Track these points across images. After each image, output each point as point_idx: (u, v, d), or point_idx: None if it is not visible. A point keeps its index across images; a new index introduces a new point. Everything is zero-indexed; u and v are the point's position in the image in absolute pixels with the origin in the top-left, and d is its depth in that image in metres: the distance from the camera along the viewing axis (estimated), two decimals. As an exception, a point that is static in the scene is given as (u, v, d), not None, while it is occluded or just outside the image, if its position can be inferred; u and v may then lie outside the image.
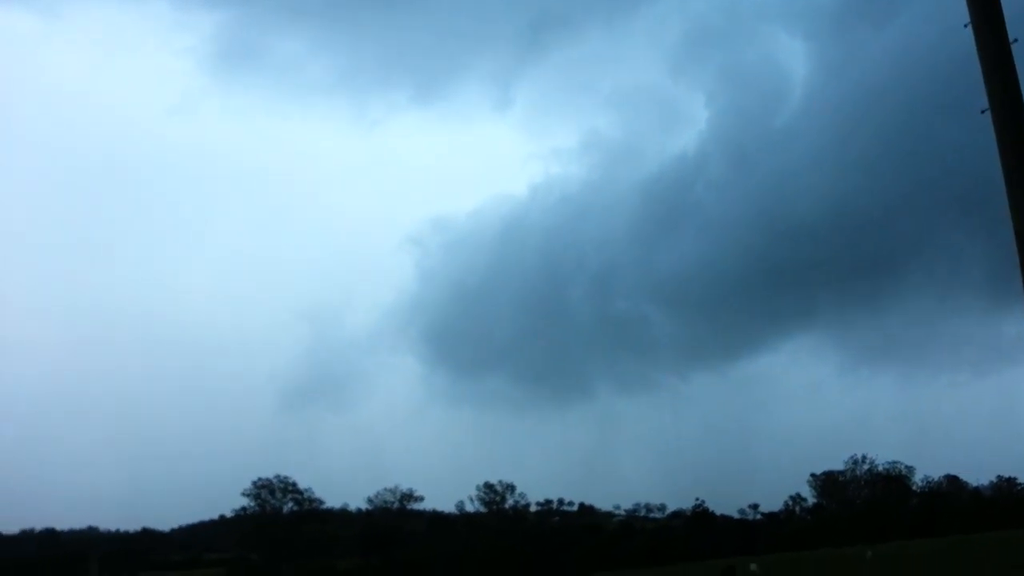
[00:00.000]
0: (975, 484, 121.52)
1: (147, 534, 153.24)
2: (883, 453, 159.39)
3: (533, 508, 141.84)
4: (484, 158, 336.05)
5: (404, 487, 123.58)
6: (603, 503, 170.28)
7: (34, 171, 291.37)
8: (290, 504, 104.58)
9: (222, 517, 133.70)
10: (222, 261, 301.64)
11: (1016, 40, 7.44)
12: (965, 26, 7.60)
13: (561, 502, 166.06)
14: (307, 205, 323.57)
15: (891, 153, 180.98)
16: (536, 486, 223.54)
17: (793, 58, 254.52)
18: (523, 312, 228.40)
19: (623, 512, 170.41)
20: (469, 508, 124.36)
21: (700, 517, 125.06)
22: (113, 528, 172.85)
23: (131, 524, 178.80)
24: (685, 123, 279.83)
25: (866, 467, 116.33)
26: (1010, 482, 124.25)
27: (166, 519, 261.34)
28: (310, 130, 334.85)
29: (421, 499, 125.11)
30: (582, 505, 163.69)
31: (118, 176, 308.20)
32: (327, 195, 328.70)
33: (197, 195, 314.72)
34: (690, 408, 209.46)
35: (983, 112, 7.41)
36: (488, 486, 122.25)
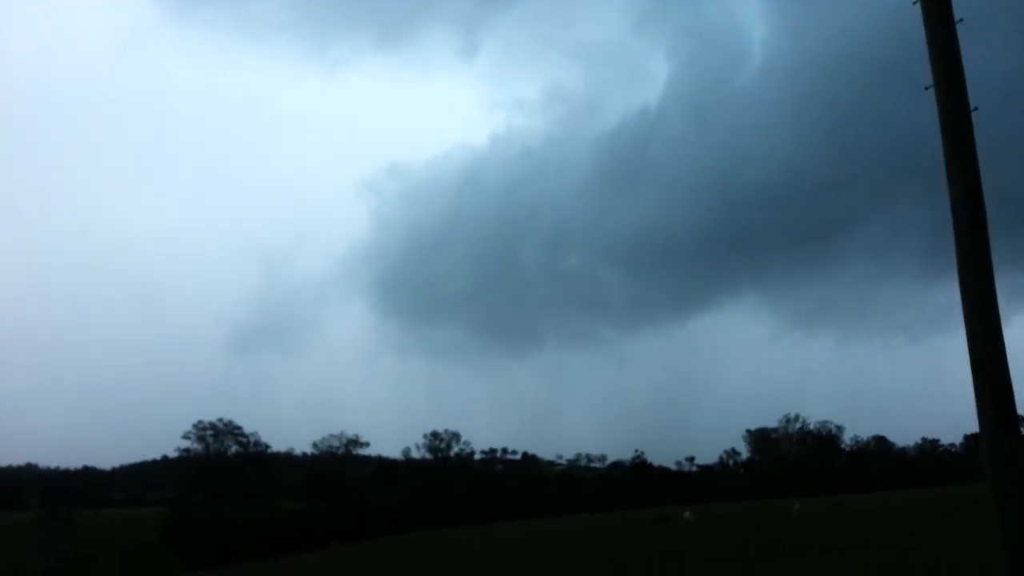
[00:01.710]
0: (901, 445, 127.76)
1: (88, 472, 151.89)
2: (816, 413, 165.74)
3: (478, 456, 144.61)
4: (446, 106, 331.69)
5: (350, 433, 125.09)
6: (546, 453, 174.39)
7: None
8: (234, 447, 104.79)
9: (165, 458, 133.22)
10: (172, 202, 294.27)
11: (962, 20, 7.58)
12: (913, 3, 7.77)
13: (505, 451, 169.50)
14: (263, 148, 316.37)
15: (845, 120, 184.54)
16: (482, 435, 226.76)
17: (754, 20, 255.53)
18: (477, 264, 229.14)
19: (565, 462, 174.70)
20: (415, 455, 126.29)
21: (638, 468, 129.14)
22: (53, 465, 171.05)
23: (72, 462, 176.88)
24: (645, 80, 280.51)
25: (798, 425, 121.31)
26: (933, 444, 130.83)
27: (107, 458, 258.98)
28: (268, 70, 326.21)
29: (367, 445, 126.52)
30: (525, 454, 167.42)
31: (66, 113, 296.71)
32: (284, 139, 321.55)
33: (147, 134, 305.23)
34: (634, 364, 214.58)
35: (927, 88, 7.60)
36: (434, 434, 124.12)
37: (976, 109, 7.35)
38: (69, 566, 73.43)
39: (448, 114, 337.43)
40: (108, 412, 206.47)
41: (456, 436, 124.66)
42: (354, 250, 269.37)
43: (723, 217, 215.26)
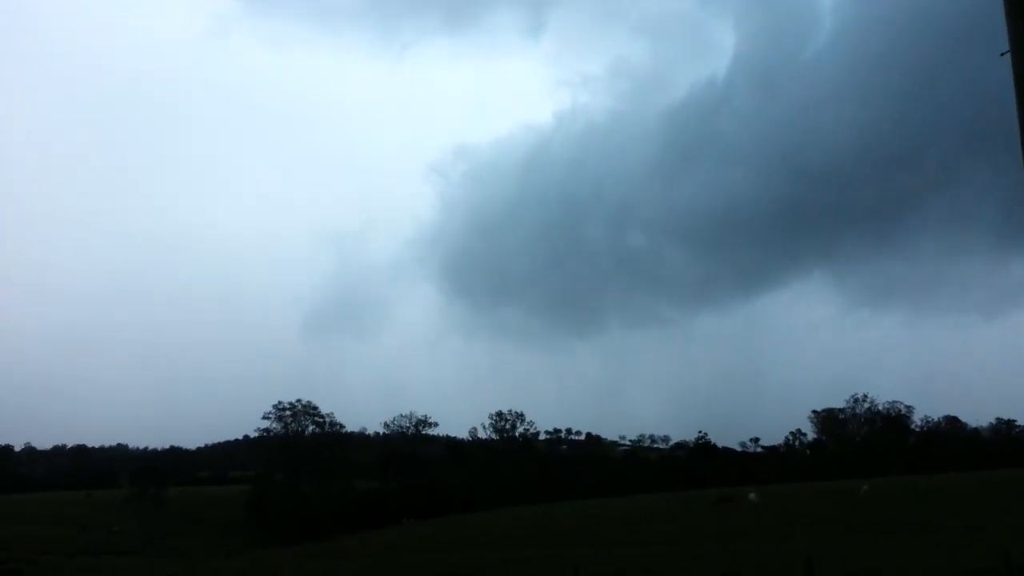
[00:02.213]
0: (974, 425, 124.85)
1: (174, 452, 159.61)
2: (885, 393, 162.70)
3: (542, 436, 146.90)
4: (511, 85, 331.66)
5: (419, 413, 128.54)
6: (610, 433, 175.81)
7: (66, 100, 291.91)
8: (311, 427, 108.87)
9: (246, 438, 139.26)
10: (249, 190, 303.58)
11: None
12: None
13: (569, 431, 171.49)
14: (334, 133, 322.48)
15: (917, 89, 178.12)
16: (547, 415, 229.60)
17: None
18: (541, 244, 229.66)
19: (628, 442, 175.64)
20: (482, 435, 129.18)
21: (702, 448, 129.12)
22: (142, 446, 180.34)
23: (159, 442, 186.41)
24: (712, 52, 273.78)
25: (866, 406, 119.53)
26: (1009, 424, 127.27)
27: (192, 438, 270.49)
28: (338, 57, 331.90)
29: (435, 425, 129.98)
30: (589, 435, 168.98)
31: (150, 104, 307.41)
32: (354, 123, 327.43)
33: (225, 123, 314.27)
34: (698, 344, 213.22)
35: (1003, 55, 7.21)
36: (499, 414, 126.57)
37: None
38: (164, 537, 77.97)
39: (514, 94, 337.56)
40: (192, 394, 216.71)
41: (521, 416, 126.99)
42: (421, 232, 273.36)
43: (790, 192, 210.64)
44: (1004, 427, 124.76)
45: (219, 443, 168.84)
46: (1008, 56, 7.11)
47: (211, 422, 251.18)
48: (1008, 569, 16.67)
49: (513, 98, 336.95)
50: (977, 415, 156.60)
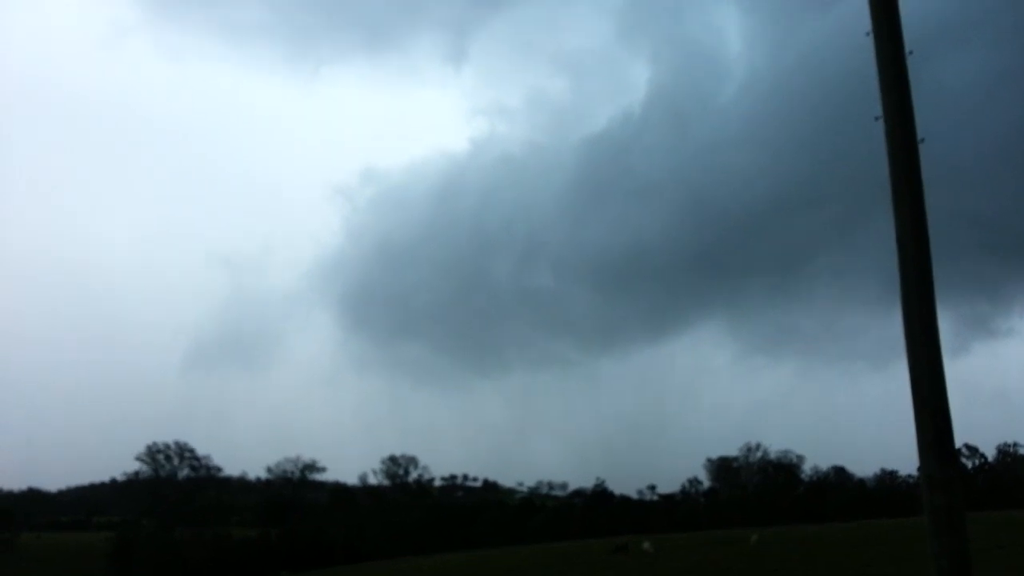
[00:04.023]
0: (860, 475, 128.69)
1: (33, 494, 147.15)
2: (778, 441, 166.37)
3: (437, 483, 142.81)
4: (428, 111, 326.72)
5: (307, 457, 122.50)
6: (508, 480, 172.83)
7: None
8: (186, 470, 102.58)
9: (113, 480, 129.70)
10: (133, 208, 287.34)
11: (912, 52, 7.53)
12: (866, 34, 7.71)
13: (466, 477, 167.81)
14: (234, 151, 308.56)
15: (816, 143, 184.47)
16: (444, 460, 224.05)
17: (734, 32, 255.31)
18: (448, 277, 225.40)
19: (526, 489, 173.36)
20: (372, 481, 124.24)
21: (599, 496, 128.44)
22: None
23: (16, 483, 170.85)
24: (627, 90, 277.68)
25: (759, 455, 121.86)
26: (892, 475, 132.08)
27: (54, 480, 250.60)
28: (245, 72, 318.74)
29: (324, 470, 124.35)
30: (486, 481, 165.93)
31: (35, 111, 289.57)
32: (257, 141, 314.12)
33: (115, 136, 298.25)
34: (600, 388, 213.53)
35: (876, 119, 7.62)
36: (392, 459, 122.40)
37: (923, 140, 7.33)
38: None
39: (430, 119, 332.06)
40: (56, 431, 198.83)
41: (414, 461, 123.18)
42: (322, 260, 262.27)
43: (698, 234, 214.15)
44: (888, 478, 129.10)
45: (83, 486, 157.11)
46: (881, 120, 7.52)
47: (76, 463, 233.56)
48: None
49: (429, 124, 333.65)
50: (863, 465, 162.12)
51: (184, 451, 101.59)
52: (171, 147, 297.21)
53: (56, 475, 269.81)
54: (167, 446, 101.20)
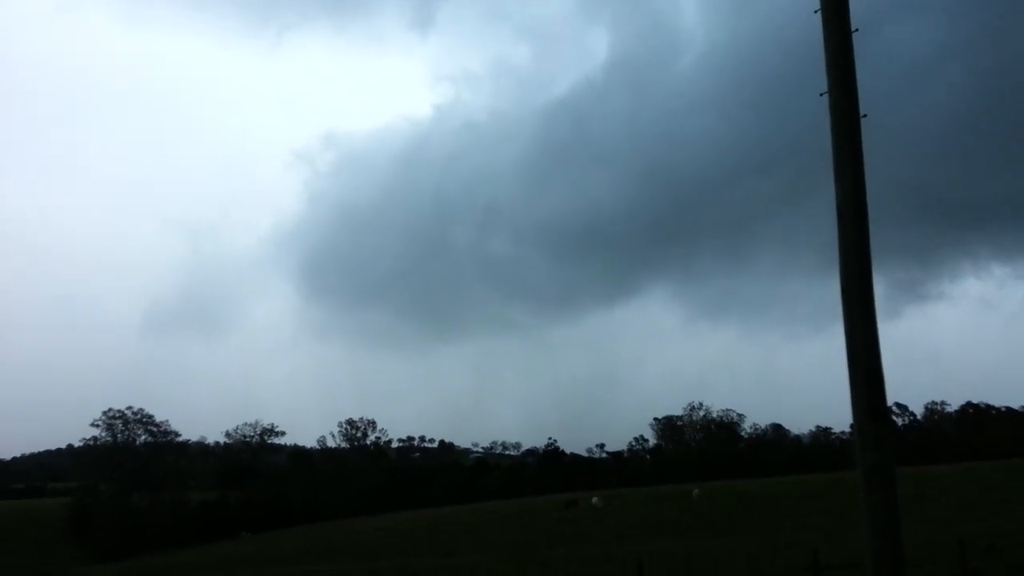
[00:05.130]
0: (796, 432, 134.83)
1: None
2: (721, 401, 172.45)
3: (395, 444, 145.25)
4: (393, 77, 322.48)
5: (266, 421, 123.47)
6: (464, 441, 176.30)
7: None
8: (144, 436, 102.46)
9: (70, 447, 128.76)
10: (92, 175, 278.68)
11: (857, 30, 7.69)
12: (815, 11, 7.85)
13: (423, 439, 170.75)
14: (194, 116, 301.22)
15: (767, 112, 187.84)
16: (401, 423, 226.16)
17: (692, 2, 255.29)
18: (409, 243, 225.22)
19: (481, 450, 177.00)
20: (331, 444, 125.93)
21: (551, 455, 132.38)
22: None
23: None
24: (588, 56, 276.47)
25: (702, 413, 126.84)
26: (826, 432, 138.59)
27: (8, 447, 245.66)
28: (205, 37, 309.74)
29: (282, 434, 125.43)
30: (442, 442, 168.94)
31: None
32: (217, 106, 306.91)
33: (73, 100, 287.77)
34: (552, 352, 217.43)
35: (821, 95, 7.71)
36: (350, 422, 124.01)
37: (866, 116, 7.51)
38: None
39: (394, 85, 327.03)
40: (9, 398, 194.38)
41: (372, 424, 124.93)
42: (282, 225, 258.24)
43: (655, 199, 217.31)
44: (822, 434, 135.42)
45: (38, 452, 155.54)
46: (826, 96, 7.66)
47: (30, 430, 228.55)
48: (815, 567, 18.14)
49: (393, 90, 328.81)
50: (800, 423, 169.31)
51: (141, 417, 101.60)
52: (129, 112, 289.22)
53: (10, 442, 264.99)
54: (124, 412, 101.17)
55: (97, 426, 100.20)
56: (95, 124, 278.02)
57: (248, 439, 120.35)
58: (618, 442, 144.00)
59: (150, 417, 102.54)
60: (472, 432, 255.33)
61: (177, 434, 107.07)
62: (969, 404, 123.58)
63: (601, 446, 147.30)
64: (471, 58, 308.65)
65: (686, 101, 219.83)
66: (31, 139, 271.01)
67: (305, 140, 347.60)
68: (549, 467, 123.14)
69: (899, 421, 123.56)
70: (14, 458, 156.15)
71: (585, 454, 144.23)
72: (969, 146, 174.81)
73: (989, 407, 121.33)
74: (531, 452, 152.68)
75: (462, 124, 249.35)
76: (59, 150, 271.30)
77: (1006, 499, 42.52)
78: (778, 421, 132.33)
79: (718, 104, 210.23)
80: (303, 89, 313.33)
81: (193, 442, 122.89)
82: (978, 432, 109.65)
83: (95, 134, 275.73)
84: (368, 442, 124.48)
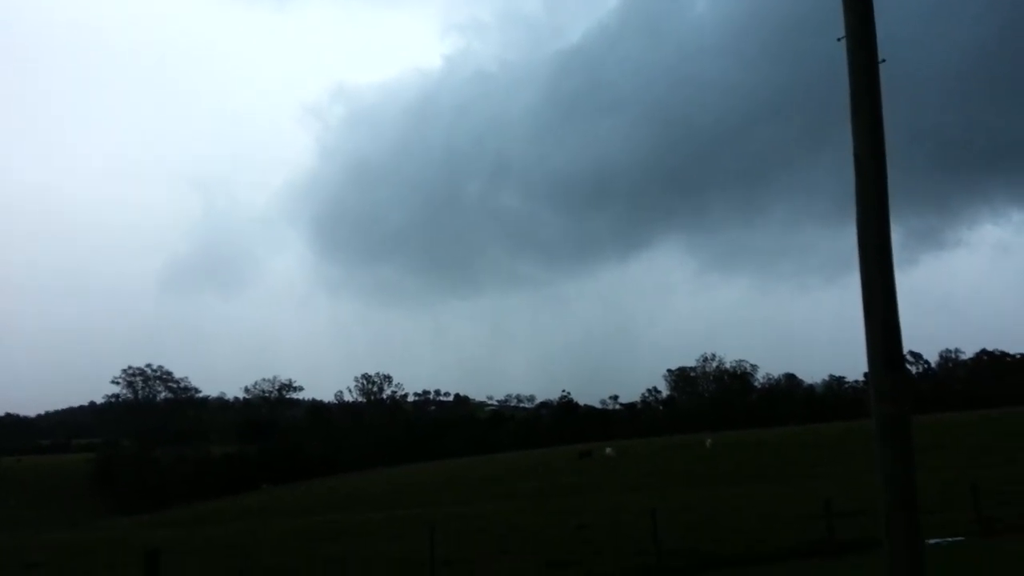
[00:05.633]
0: (810, 382, 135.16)
1: (11, 419, 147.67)
2: (734, 352, 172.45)
3: (411, 398, 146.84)
4: (402, 29, 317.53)
5: (284, 377, 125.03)
6: (478, 394, 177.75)
7: None
8: (164, 392, 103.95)
9: (92, 404, 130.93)
10: (107, 133, 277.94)
11: None
12: None
13: (438, 393, 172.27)
14: (204, 72, 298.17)
15: (793, 53, 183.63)
16: (417, 377, 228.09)
17: None
18: (420, 197, 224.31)
19: (496, 403, 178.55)
20: (348, 398, 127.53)
21: (565, 407, 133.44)
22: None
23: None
24: (602, 2, 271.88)
25: (715, 364, 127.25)
26: (840, 381, 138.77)
27: (32, 405, 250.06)
28: None
29: (300, 389, 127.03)
30: (457, 396, 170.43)
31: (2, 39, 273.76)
32: (227, 62, 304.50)
33: (83, 59, 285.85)
34: (568, 305, 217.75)
35: (839, 40, 7.57)
36: (366, 377, 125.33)
37: (884, 61, 7.41)
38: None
39: (404, 37, 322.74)
40: (33, 357, 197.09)
41: (388, 378, 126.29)
42: (294, 181, 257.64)
43: (664, 151, 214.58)
44: (836, 384, 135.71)
45: (62, 410, 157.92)
46: (844, 41, 7.44)
47: (54, 388, 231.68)
48: (828, 514, 18.29)
49: (403, 42, 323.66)
50: (813, 372, 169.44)
51: (161, 374, 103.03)
52: (139, 72, 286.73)
53: (34, 400, 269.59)
54: (143, 369, 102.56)
55: (118, 383, 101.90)
56: (104, 84, 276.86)
57: (266, 394, 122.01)
58: (631, 394, 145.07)
59: (169, 374, 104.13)
60: (487, 385, 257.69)
61: (197, 390, 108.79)
62: (984, 352, 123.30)
63: (615, 398, 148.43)
64: (481, 7, 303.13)
65: (701, 46, 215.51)
66: (42, 102, 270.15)
67: (316, 94, 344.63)
68: (563, 419, 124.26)
69: (913, 369, 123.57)
70: (39, 415, 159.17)
71: (599, 406, 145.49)
72: (987, 89, 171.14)
73: (1004, 354, 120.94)
74: (545, 404, 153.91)
75: (473, 74, 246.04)
76: (70, 111, 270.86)
77: (1022, 446, 42.49)
78: (791, 371, 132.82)
79: (734, 49, 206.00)
80: (312, 42, 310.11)
81: (213, 398, 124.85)
82: (995, 379, 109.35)
83: (104, 95, 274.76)
84: (384, 396, 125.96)
